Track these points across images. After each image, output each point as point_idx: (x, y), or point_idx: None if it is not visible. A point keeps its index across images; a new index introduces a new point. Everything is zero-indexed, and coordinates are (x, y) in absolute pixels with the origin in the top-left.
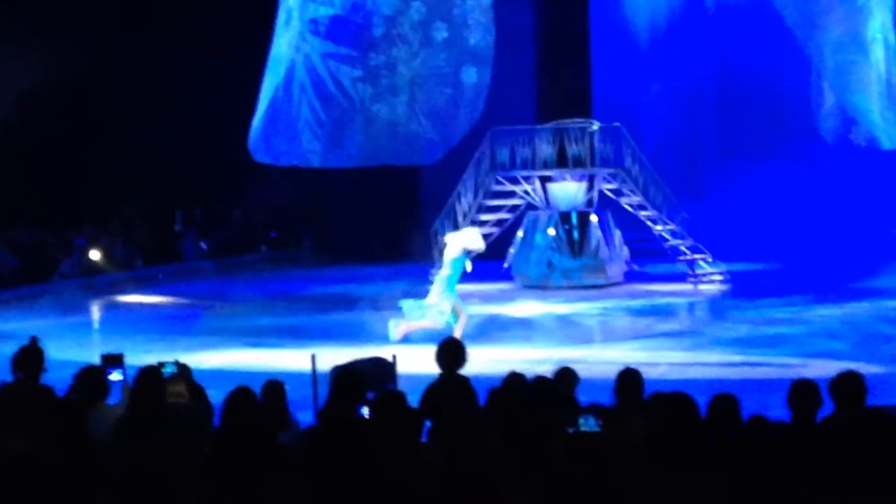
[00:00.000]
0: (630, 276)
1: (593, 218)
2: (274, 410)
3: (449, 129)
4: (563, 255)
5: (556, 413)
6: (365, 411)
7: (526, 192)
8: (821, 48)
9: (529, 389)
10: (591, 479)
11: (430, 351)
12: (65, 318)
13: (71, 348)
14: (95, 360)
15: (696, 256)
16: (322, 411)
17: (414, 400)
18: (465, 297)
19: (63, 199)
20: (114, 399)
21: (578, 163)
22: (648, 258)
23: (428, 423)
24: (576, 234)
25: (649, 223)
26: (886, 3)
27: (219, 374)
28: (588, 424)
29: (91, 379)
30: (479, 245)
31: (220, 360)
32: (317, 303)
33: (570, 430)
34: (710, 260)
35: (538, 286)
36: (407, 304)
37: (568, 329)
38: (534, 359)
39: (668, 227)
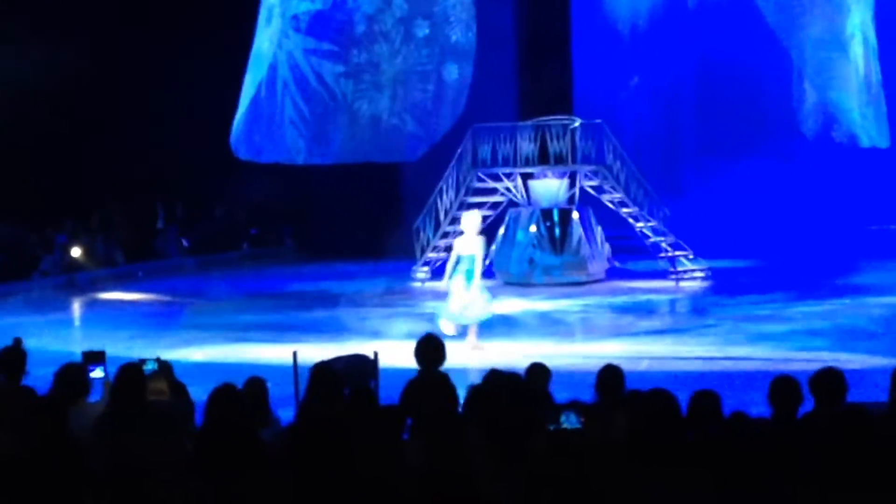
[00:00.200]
0: (611, 273)
1: (575, 215)
2: (255, 407)
3: (431, 126)
4: (544, 253)
5: (534, 410)
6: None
7: (507, 189)
8: (801, 45)
9: (510, 387)
10: (572, 476)
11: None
12: (45, 316)
13: (52, 345)
14: (77, 357)
15: (678, 253)
16: (300, 408)
17: (397, 396)
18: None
19: (44, 197)
20: (95, 396)
21: (560, 160)
22: (630, 255)
23: (408, 421)
24: (557, 232)
25: (631, 220)
26: (866, 0)
27: (200, 371)
28: (569, 421)
29: (72, 376)
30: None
31: (201, 356)
32: (298, 299)
33: (552, 427)
34: (691, 257)
35: (519, 283)
36: (442, 311)
37: (549, 326)
38: (515, 356)
39: (649, 224)
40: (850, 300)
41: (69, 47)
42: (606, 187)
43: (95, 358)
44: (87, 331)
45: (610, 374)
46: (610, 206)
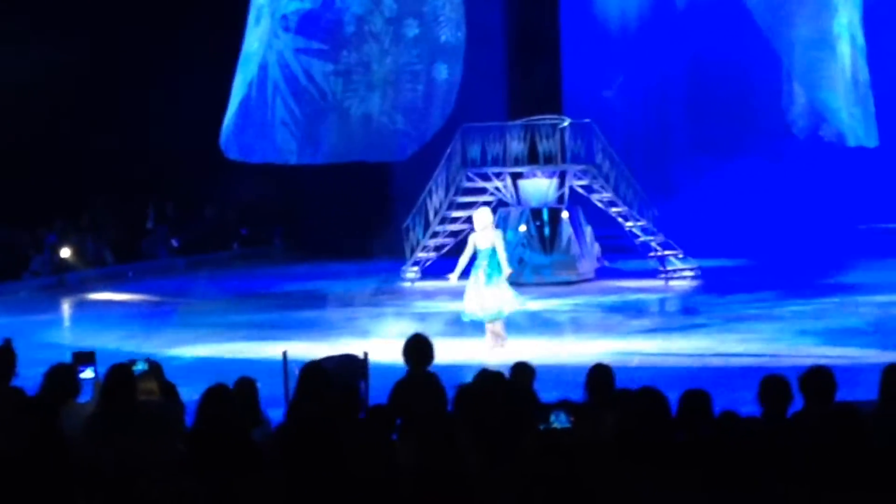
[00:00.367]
0: (601, 273)
1: (564, 214)
2: (246, 408)
3: (421, 125)
4: (534, 252)
5: (523, 409)
6: None
7: (497, 189)
8: (790, 45)
9: (501, 387)
10: (562, 475)
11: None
12: (35, 316)
13: (42, 346)
14: (67, 357)
15: (667, 253)
16: (290, 408)
17: (386, 396)
18: (435, 294)
19: (34, 197)
20: (85, 397)
21: (549, 159)
22: (619, 254)
23: (398, 421)
24: (547, 231)
25: (620, 219)
26: (854, 0)
27: (190, 372)
28: (559, 421)
29: (62, 377)
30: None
31: (191, 357)
32: (288, 299)
33: (542, 427)
34: (681, 256)
35: (509, 282)
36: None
37: (539, 325)
38: (505, 355)
39: (638, 223)
40: (840, 299)
41: (61, 48)
42: (596, 187)
43: (85, 358)
44: (77, 331)
45: (599, 374)
46: (599, 205)
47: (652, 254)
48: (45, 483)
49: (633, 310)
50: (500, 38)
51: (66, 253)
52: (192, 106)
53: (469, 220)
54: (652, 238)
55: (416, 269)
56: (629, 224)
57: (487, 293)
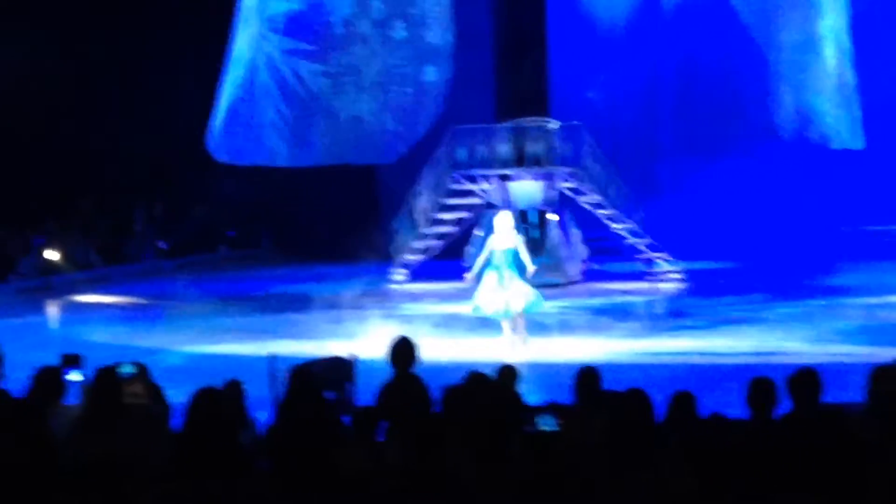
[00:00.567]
0: (589, 275)
1: (552, 217)
2: (233, 411)
3: (409, 127)
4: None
5: (510, 411)
6: None
7: (485, 191)
8: (777, 47)
9: (488, 388)
10: (549, 477)
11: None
12: (23, 318)
13: (29, 348)
14: (53, 360)
15: (655, 255)
16: (279, 411)
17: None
18: (424, 296)
19: (22, 198)
20: (72, 399)
21: (537, 161)
22: (607, 257)
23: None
24: (534, 233)
25: (608, 222)
26: (840, 4)
27: (177, 374)
28: (546, 423)
29: (49, 379)
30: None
31: (178, 359)
32: (275, 302)
33: (528, 430)
34: (668, 258)
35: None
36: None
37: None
38: (493, 357)
39: (626, 225)
40: (826, 301)
41: (49, 49)
42: (584, 189)
43: (72, 361)
44: (64, 334)
45: (587, 376)
46: (587, 207)
47: (639, 256)
48: (31, 485)
49: (621, 312)
50: (487, 39)
51: (52, 255)
52: (181, 108)
53: (457, 222)
54: (640, 240)
55: (403, 271)
56: (616, 226)
57: (500, 292)
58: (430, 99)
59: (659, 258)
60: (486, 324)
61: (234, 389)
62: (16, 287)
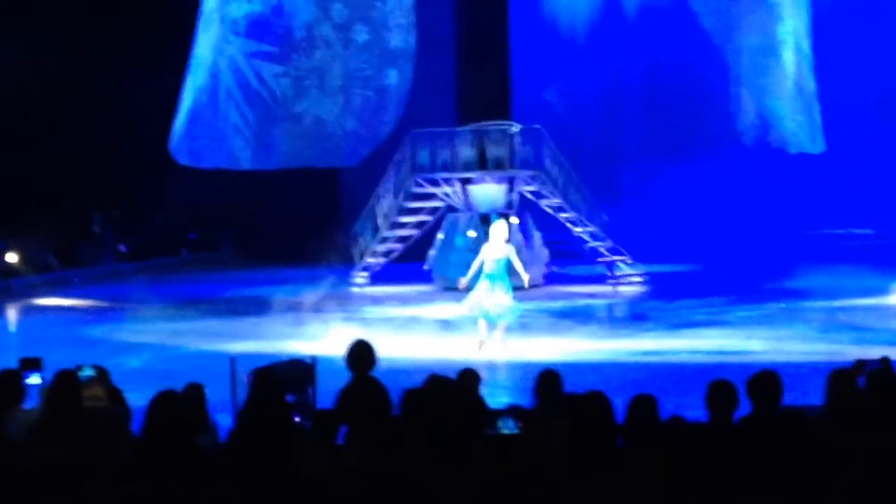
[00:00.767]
0: (550, 278)
1: (513, 220)
2: (194, 414)
3: (371, 131)
4: None
5: (472, 415)
6: None
7: (446, 195)
8: (737, 51)
9: (448, 391)
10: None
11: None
12: None
13: None
14: (12, 363)
15: (616, 258)
16: (241, 414)
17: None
18: (385, 300)
19: None
20: (31, 403)
21: (498, 165)
22: (568, 260)
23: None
24: None
25: (569, 225)
26: (799, 9)
27: (137, 377)
28: (507, 426)
29: (8, 383)
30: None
31: (138, 363)
32: (236, 305)
33: (489, 433)
34: (629, 262)
35: (458, 288)
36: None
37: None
38: (453, 360)
39: (587, 229)
40: (786, 304)
41: (6, 52)
42: (545, 192)
43: (32, 364)
44: (23, 337)
45: (547, 379)
46: (548, 211)
47: (600, 259)
48: None
49: (582, 315)
50: (449, 43)
51: (12, 258)
52: (141, 111)
53: (419, 225)
54: (600, 244)
55: (365, 274)
56: (578, 230)
57: (489, 297)
58: (392, 102)
59: (620, 261)
60: (447, 326)
61: (194, 392)
62: None
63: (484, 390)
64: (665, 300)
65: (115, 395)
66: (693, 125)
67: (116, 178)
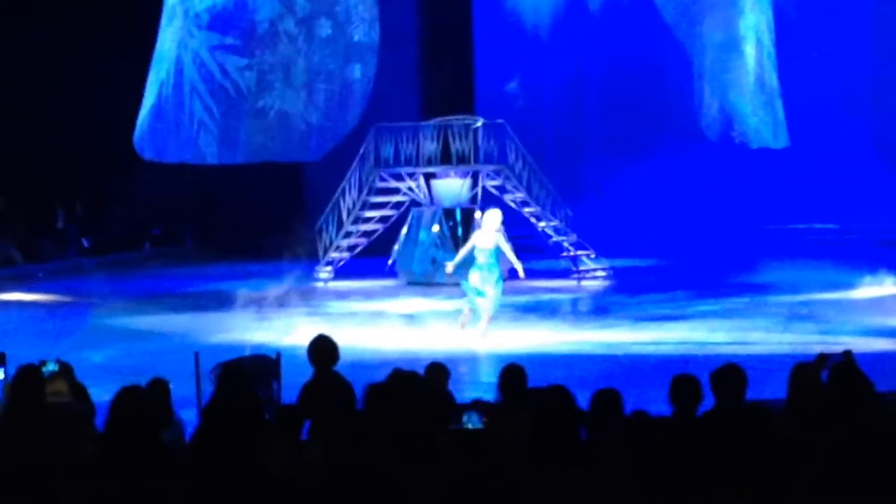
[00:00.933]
0: (514, 273)
1: (477, 214)
2: (158, 409)
3: (335, 125)
4: (447, 252)
5: (437, 409)
6: None
7: (410, 189)
8: (700, 47)
9: (412, 386)
10: (474, 475)
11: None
12: None
13: None
14: None
15: (580, 253)
16: (206, 408)
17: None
18: (349, 294)
19: None
20: None
21: (462, 159)
22: (532, 255)
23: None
24: (460, 231)
25: (533, 220)
26: (761, 4)
27: (101, 373)
28: (472, 421)
29: None
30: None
31: (101, 358)
32: (199, 300)
33: (454, 427)
34: (593, 256)
35: (422, 283)
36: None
37: (451, 325)
38: (417, 355)
39: (551, 223)
40: (750, 298)
41: None
42: (509, 187)
43: None
44: None
45: (511, 374)
46: (512, 205)
47: (564, 254)
48: None
49: (546, 310)
50: (413, 37)
51: None
52: (104, 104)
53: (382, 219)
54: (564, 238)
55: (329, 269)
56: (542, 224)
57: (488, 286)
58: (355, 97)
59: (584, 256)
60: (412, 321)
61: (158, 387)
62: None
63: (455, 384)
64: (629, 294)
65: (79, 391)
66: (656, 120)
67: (80, 173)
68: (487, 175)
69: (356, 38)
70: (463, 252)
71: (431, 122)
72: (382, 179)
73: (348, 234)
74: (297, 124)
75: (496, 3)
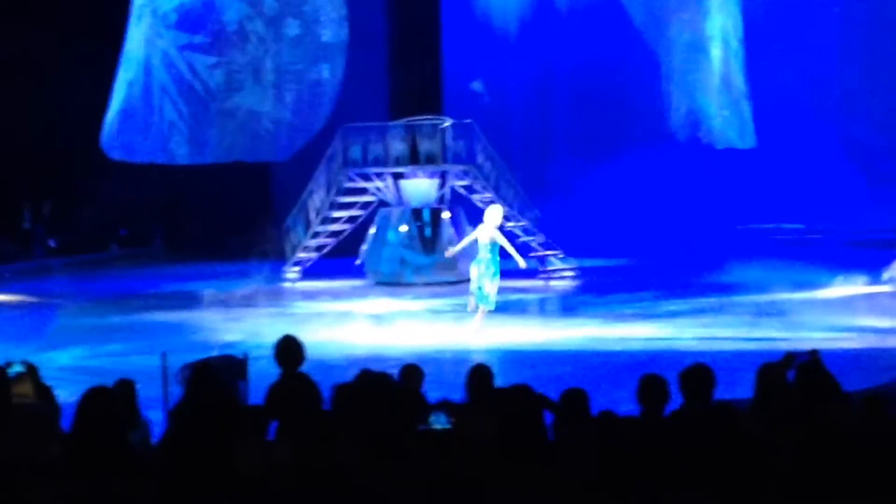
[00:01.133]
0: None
1: (445, 215)
2: (124, 410)
3: (303, 125)
4: (415, 252)
5: (404, 410)
6: None
7: (378, 189)
8: (668, 48)
9: (380, 387)
10: (443, 475)
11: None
12: None
13: None
14: None
15: (548, 253)
16: (176, 409)
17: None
18: (316, 294)
19: None
20: None
21: (430, 160)
22: (500, 255)
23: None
24: (428, 231)
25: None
26: (729, 5)
27: (66, 374)
28: (439, 421)
29: None
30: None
31: (67, 359)
32: (167, 301)
33: (422, 428)
34: (561, 256)
35: (390, 283)
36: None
37: (420, 326)
38: (385, 355)
39: (519, 223)
40: (717, 298)
41: None
42: (477, 187)
43: None
44: None
45: (479, 374)
46: (480, 205)
47: (532, 254)
48: None
49: (514, 309)
50: (381, 38)
51: None
52: (71, 104)
53: (351, 220)
54: (532, 238)
55: (297, 269)
56: (510, 224)
57: (486, 281)
58: (324, 97)
59: (552, 256)
60: (380, 320)
61: (125, 388)
62: None
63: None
64: (596, 294)
65: (44, 392)
66: (624, 120)
67: (47, 173)
68: (456, 175)
69: (324, 38)
70: (464, 243)
71: (400, 122)
72: (350, 179)
73: (316, 234)
74: (265, 124)
75: (465, 4)
